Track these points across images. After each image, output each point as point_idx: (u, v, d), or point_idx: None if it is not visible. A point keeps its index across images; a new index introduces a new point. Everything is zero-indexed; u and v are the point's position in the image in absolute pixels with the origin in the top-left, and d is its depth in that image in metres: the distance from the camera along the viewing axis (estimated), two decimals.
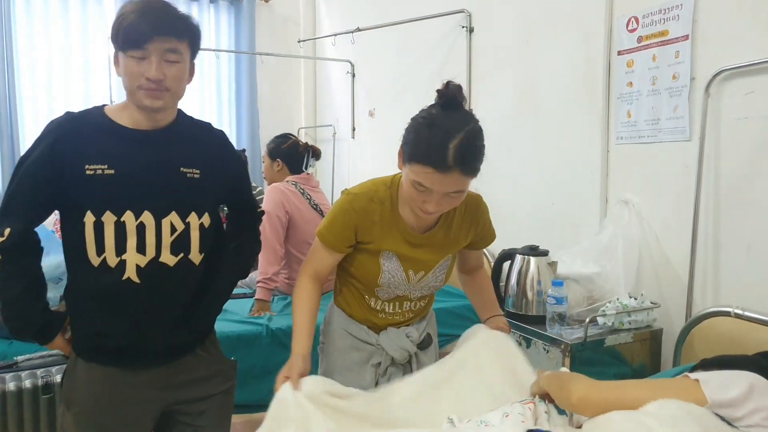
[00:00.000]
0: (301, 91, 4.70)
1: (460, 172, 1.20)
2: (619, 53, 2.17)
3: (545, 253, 2.01)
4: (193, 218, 1.32)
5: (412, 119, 1.29)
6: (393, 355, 1.47)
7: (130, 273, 1.27)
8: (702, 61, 1.88)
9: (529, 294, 1.97)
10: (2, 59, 3.77)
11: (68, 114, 1.30)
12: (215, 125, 1.45)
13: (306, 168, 2.81)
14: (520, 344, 1.93)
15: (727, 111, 1.81)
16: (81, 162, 1.23)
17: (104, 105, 1.34)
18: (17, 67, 3.84)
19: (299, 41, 4.54)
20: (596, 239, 2.11)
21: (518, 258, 2.02)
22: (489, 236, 1.53)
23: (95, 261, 1.26)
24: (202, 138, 1.38)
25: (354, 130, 4.08)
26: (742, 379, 1.00)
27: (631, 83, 2.13)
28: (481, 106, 2.93)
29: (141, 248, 1.26)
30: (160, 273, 1.29)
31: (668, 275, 1.99)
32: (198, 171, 1.33)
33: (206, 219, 1.34)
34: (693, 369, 1.28)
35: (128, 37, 1.18)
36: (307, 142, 2.81)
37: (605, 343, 1.79)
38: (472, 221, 1.46)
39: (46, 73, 3.93)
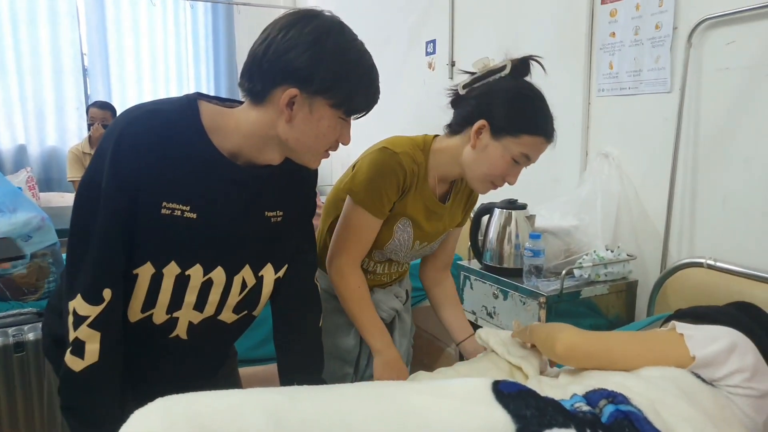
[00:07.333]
0: None
1: (551, 142, 1.22)
2: (603, 2, 2.12)
3: (523, 207, 2.01)
4: (268, 272, 1.06)
5: (492, 91, 1.22)
6: (381, 316, 1.42)
7: (180, 331, 1.02)
8: (686, 9, 1.83)
9: (507, 247, 1.97)
10: None
11: (152, 113, 0.90)
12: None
13: None
14: (496, 297, 1.95)
15: (708, 62, 1.78)
16: (158, 195, 0.90)
17: (198, 97, 0.95)
18: None
19: None
20: (576, 193, 2.11)
21: (497, 212, 2.02)
22: (467, 218, 1.52)
23: (134, 317, 0.98)
24: (290, 167, 1.02)
25: None
26: (724, 337, 0.98)
27: (614, 33, 2.09)
28: (464, 58, 2.87)
29: (200, 305, 1.00)
30: (214, 329, 1.05)
31: (645, 228, 2.00)
32: (281, 213, 1.05)
33: (282, 272, 1.09)
34: (667, 319, 1.30)
35: (362, 98, 0.95)
36: None
37: (581, 295, 1.81)
38: (469, 196, 1.46)
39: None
